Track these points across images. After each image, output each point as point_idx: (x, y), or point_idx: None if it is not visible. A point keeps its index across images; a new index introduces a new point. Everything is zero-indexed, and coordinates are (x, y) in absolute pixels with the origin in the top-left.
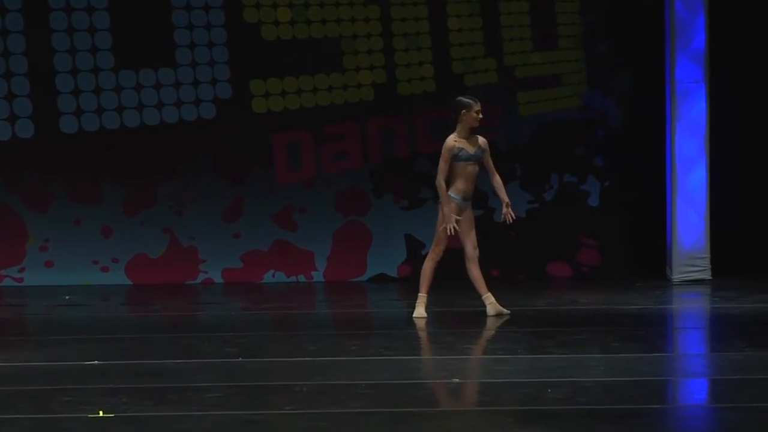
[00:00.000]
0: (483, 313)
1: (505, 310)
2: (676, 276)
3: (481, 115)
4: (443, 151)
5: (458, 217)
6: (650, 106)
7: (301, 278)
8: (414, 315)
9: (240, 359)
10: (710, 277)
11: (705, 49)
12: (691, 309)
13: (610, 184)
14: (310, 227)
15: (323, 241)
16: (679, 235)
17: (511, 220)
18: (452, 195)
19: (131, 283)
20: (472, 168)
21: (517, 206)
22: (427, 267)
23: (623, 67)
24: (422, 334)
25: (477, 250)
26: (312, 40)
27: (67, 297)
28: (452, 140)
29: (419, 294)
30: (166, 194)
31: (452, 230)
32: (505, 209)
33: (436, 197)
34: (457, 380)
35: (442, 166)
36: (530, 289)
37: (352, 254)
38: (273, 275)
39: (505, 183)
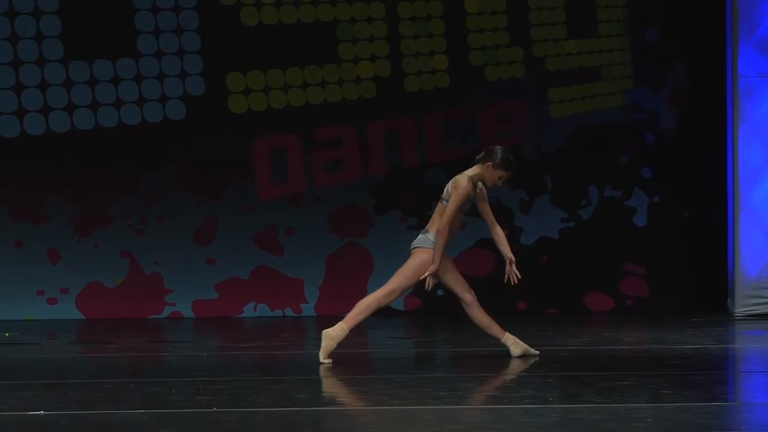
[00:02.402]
0: (506, 355)
1: (532, 350)
2: (739, 310)
3: (500, 184)
4: (459, 194)
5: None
6: (709, 106)
7: (288, 312)
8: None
9: (214, 409)
10: None
11: None
12: (756, 349)
13: (660, 199)
14: (299, 251)
15: (315, 268)
16: (743, 261)
17: (515, 281)
18: (431, 239)
19: (83, 317)
20: (460, 217)
21: (548, 225)
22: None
23: (676, 58)
24: (433, 380)
25: (472, 292)
26: (301, 26)
27: (6, 334)
28: (469, 182)
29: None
30: (124, 211)
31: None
32: (509, 267)
33: None
34: None
35: (452, 212)
36: (564, 326)
37: (350, 283)
38: (254, 308)
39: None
